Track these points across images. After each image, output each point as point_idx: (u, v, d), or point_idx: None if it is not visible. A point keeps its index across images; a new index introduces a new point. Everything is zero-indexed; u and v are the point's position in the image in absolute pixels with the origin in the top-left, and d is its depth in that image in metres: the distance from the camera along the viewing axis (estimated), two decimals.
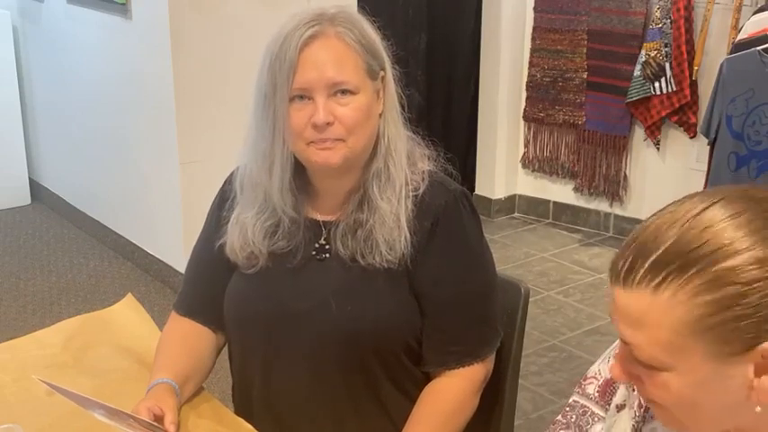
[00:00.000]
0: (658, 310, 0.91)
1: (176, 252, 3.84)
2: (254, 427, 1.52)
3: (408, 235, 1.53)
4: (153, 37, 3.69)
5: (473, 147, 4.83)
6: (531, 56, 4.61)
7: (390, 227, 1.53)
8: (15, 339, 1.80)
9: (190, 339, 1.67)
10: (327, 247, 1.59)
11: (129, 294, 1.90)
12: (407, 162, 1.58)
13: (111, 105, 4.14)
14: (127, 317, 1.84)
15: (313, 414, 1.60)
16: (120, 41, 3.96)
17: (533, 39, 4.58)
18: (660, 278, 0.90)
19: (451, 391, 1.58)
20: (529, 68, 4.63)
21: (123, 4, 3.81)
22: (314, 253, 1.60)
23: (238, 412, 1.62)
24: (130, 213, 4.19)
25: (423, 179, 1.58)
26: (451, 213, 1.57)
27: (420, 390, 1.60)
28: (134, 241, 4.17)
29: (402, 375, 1.61)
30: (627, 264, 0.93)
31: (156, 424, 1.42)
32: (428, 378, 1.61)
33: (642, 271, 0.92)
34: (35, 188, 4.94)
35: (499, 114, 4.71)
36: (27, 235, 4.54)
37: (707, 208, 0.92)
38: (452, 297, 1.57)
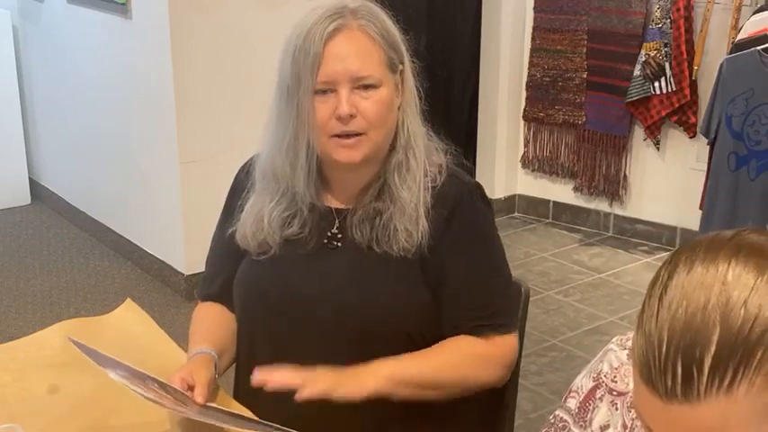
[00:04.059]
0: (740, 410, 0.82)
1: (176, 252, 3.84)
2: (258, 414, 1.52)
3: (426, 224, 1.55)
4: (153, 37, 3.69)
5: (473, 146, 4.83)
6: (531, 56, 4.60)
7: (410, 215, 1.56)
8: (14, 341, 1.80)
9: (219, 318, 1.71)
10: (340, 236, 1.61)
11: (129, 299, 1.91)
12: (425, 153, 1.61)
13: (111, 105, 4.14)
14: (127, 319, 1.85)
15: (321, 402, 1.59)
16: (120, 41, 3.95)
17: (533, 39, 4.58)
18: (729, 377, 0.81)
19: (470, 344, 1.58)
20: (529, 68, 4.63)
21: (123, 4, 3.81)
22: (325, 242, 1.62)
23: (241, 399, 1.61)
24: (130, 213, 4.19)
25: (440, 171, 1.61)
26: (467, 204, 1.60)
27: None
28: (134, 241, 4.16)
29: None
30: (679, 376, 0.82)
31: (186, 393, 1.44)
32: None
33: (704, 378, 0.81)
34: (35, 188, 4.94)
35: (499, 114, 4.72)
36: (27, 235, 4.54)
37: (726, 277, 0.83)
38: (468, 277, 1.59)
